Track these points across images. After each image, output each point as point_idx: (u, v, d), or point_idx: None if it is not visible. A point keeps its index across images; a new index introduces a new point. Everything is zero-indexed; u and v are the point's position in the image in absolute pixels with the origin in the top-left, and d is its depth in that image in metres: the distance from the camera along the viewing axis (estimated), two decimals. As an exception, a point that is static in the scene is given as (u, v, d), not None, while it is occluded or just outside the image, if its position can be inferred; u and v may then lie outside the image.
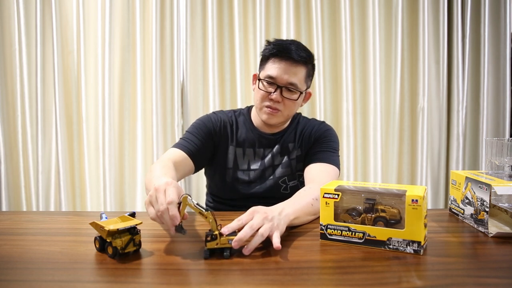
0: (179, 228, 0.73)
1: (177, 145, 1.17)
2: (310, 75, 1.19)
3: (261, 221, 0.74)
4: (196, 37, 2.11)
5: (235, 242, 0.70)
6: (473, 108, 2.18)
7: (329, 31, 2.15)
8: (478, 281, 0.61)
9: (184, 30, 2.08)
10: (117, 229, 0.70)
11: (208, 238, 0.71)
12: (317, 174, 1.12)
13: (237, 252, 0.73)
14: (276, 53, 1.12)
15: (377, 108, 2.13)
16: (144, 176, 2.13)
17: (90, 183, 2.10)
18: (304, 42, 2.12)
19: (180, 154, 1.14)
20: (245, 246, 0.71)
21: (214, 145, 1.23)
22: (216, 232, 0.72)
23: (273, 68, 1.13)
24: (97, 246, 0.74)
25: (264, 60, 1.18)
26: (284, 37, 2.08)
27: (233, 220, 0.75)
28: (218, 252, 0.72)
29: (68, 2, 2.07)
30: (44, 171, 2.07)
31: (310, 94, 1.26)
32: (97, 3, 2.06)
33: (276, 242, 0.71)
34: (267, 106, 1.15)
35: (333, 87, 2.16)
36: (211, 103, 2.10)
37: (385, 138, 2.18)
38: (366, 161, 2.17)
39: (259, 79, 1.17)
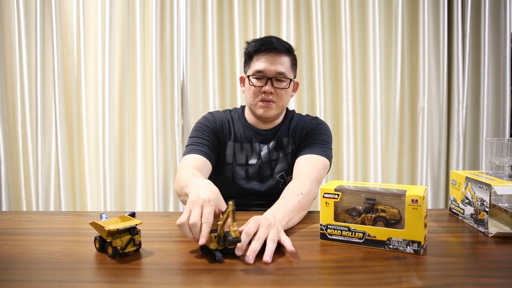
0: (235, 241, 0.70)
1: (190, 151, 1.16)
2: (294, 64, 1.24)
3: (266, 229, 0.75)
4: (196, 37, 2.11)
5: (249, 257, 0.69)
6: (473, 108, 2.18)
7: (329, 31, 2.15)
8: (478, 281, 0.61)
9: (184, 30, 2.08)
10: (117, 229, 0.70)
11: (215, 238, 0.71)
12: (304, 166, 1.13)
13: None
14: (260, 48, 1.17)
15: (377, 108, 2.13)
16: (144, 176, 2.13)
17: (90, 183, 2.10)
18: (304, 42, 2.13)
19: (199, 158, 1.13)
20: (264, 255, 0.69)
21: (218, 141, 1.25)
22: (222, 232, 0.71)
23: (260, 63, 1.17)
24: (97, 246, 0.74)
25: (248, 58, 1.22)
26: (284, 37, 2.08)
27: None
28: (227, 252, 0.72)
29: (68, 2, 2.07)
30: (44, 171, 2.07)
31: (297, 84, 1.30)
32: (97, 3, 2.06)
33: (289, 245, 0.72)
34: (261, 100, 1.18)
35: (333, 87, 2.16)
36: (211, 103, 2.10)
37: (385, 138, 2.18)
38: (366, 161, 2.17)
39: (248, 77, 1.20)
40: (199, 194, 0.77)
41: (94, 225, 0.74)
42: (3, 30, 2.07)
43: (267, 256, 0.69)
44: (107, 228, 0.69)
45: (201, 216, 0.73)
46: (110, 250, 0.71)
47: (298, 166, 1.15)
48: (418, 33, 2.11)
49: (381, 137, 2.14)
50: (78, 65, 2.07)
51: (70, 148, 2.11)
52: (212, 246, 0.71)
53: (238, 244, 0.72)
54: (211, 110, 2.07)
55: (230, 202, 0.70)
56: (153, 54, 2.05)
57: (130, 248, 0.72)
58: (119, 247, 0.70)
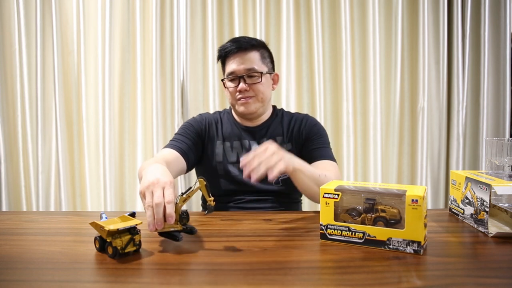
0: (211, 209, 0.80)
1: (168, 146, 1.23)
2: (265, 57, 1.27)
3: (270, 149, 0.88)
4: (196, 37, 2.11)
5: (245, 172, 0.82)
6: (473, 108, 2.18)
7: (329, 31, 2.15)
8: (478, 281, 0.61)
9: (184, 30, 2.08)
10: (117, 229, 0.70)
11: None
12: (323, 170, 1.17)
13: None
14: (228, 50, 1.23)
15: (377, 108, 2.13)
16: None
17: (90, 183, 2.10)
18: (304, 42, 2.13)
19: (172, 152, 1.19)
20: (252, 177, 0.82)
21: (202, 143, 1.30)
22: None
23: (229, 65, 1.23)
24: (97, 246, 0.74)
25: (222, 63, 1.29)
26: (284, 37, 2.08)
27: (232, 219, 0.76)
28: (185, 232, 0.78)
29: (68, 2, 2.07)
30: (44, 171, 2.07)
31: (277, 76, 1.34)
32: (97, 3, 2.06)
33: (272, 174, 0.85)
34: (239, 98, 1.23)
35: (333, 87, 2.16)
36: (211, 103, 2.10)
37: (385, 138, 2.18)
38: (366, 161, 2.17)
39: (223, 80, 1.27)
40: (159, 177, 0.77)
41: (94, 225, 0.74)
42: (3, 30, 2.07)
43: (253, 179, 0.83)
44: (107, 228, 0.70)
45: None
46: (110, 250, 0.71)
47: (320, 169, 1.18)
48: (418, 33, 2.11)
49: (381, 137, 2.14)
50: (78, 65, 2.07)
51: (70, 148, 2.11)
52: (179, 227, 0.76)
53: (242, 159, 0.86)
54: (211, 110, 2.08)
55: (201, 179, 0.78)
56: (153, 54, 2.05)
57: (130, 248, 0.72)
58: (119, 247, 0.70)
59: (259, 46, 1.25)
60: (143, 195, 0.76)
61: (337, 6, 2.11)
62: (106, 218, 0.84)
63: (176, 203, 0.76)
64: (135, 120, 2.12)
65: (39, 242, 0.81)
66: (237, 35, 2.09)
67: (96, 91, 2.09)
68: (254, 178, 0.81)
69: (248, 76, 1.21)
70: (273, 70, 1.31)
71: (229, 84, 1.24)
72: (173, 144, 1.23)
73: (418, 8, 2.11)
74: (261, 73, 1.22)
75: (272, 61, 1.31)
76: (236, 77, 1.22)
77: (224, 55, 1.25)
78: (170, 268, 0.67)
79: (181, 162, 1.20)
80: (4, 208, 2.07)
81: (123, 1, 2.07)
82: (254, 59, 1.22)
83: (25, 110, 2.10)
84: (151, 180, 0.76)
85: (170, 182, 0.76)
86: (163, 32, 2.08)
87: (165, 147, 1.23)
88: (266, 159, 0.85)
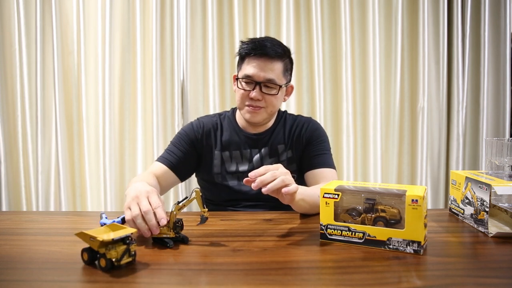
0: (204, 219, 0.80)
1: (159, 159, 1.23)
2: (287, 69, 1.21)
3: (275, 169, 0.82)
4: (196, 37, 2.11)
5: (255, 183, 0.78)
6: (473, 108, 2.18)
7: (329, 31, 2.15)
8: (478, 281, 0.61)
9: (184, 30, 2.08)
10: (112, 239, 0.64)
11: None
12: (321, 179, 1.16)
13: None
14: (252, 51, 1.13)
15: (377, 108, 2.13)
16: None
17: (90, 183, 2.10)
18: (304, 42, 2.13)
19: (162, 167, 1.19)
20: (263, 189, 0.78)
21: (197, 153, 1.26)
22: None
23: (250, 67, 1.14)
24: (86, 259, 0.68)
25: (241, 59, 1.20)
26: (284, 37, 2.08)
27: (232, 219, 0.75)
28: (176, 240, 0.79)
29: (68, 2, 2.07)
30: (44, 171, 2.07)
31: (292, 87, 1.28)
32: (97, 3, 2.06)
33: (291, 190, 0.81)
34: (248, 105, 1.16)
35: (333, 87, 2.16)
36: (211, 103, 2.10)
37: (385, 138, 2.18)
38: (366, 161, 2.17)
39: (237, 79, 1.18)
40: (140, 189, 0.82)
41: (83, 235, 0.68)
42: (3, 30, 2.07)
43: (266, 189, 0.77)
44: (100, 239, 0.64)
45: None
46: (103, 263, 0.65)
47: (316, 179, 1.17)
48: (418, 33, 2.11)
49: (381, 137, 2.14)
50: (78, 65, 2.07)
51: (70, 148, 2.11)
52: (172, 234, 0.78)
53: (250, 174, 0.80)
54: (211, 110, 2.08)
55: (197, 190, 0.78)
56: (153, 54, 2.05)
57: (126, 260, 0.67)
58: (114, 259, 0.65)
59: (285, 56, 1.18)
60: (128, 209, 0.79)
61: (337, 6, 2.11)
62: (106, 217, 0.84)
63: (172, 211, 0.78)
64: (135, 120, 2.12)
65: (39, 242, 0.81)
66: (237, 35, 2.09)
67: (96, 91, 2.08)
68: (266, 189, 0.78)
69: (265, 85, 1.14)
70: (290, 81, 1.24)
71: (244, 86, 1.16)
72: (164, 157, 1.23)
73: (418, 8, 2.11)
74: (280, 86, 1.16)
75: (291, 72, 1.24)
76: (252, 82, 1.14)
77: (245, 54, 1.16)
78: (170, 268, 0.67)
79: (171, 176, 1.21)
80: (4, 208, 2.07)
81: (123, 1, 2.07)
82: (276, 70, 1.14)
83: (25, 110, 2.09)
84: (134, 194, 0.80)
85: (152, 191, 0.82)
86: (163, 32, 2.08)
87: (157, 159, 1.24)
88: (282, 176, 0.80)
